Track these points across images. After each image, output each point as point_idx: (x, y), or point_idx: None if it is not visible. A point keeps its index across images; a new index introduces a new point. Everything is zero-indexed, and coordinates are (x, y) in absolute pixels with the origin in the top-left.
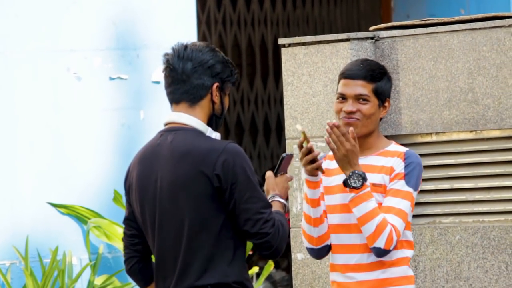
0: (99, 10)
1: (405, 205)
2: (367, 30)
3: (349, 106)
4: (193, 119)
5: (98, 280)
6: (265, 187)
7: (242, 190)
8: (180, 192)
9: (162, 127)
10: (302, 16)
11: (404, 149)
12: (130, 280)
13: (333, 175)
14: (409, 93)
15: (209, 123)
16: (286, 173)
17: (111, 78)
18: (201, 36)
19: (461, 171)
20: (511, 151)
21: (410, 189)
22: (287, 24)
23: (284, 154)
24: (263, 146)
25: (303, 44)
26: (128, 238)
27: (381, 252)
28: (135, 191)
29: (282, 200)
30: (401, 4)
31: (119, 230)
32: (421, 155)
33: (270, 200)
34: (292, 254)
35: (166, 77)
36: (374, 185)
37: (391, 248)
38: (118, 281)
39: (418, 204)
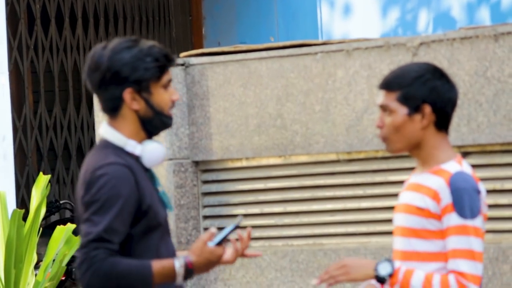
0: None
1: (466, 241)
2: (179, 57)
3: (378, 119)
4: (110, 132)
5: None
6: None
7: (86, 210)
8: (78, 205)
9: None
10: None
11: (454, 169)
12: None
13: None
14: (220, 119)
15: (147, 129)
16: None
17: None
18: (13, 62)
19: (271, 195)
20: (318, 176)
21: (465, 221)
22: None
23: (240, 218)
24: (76, 171)
25: None
26: None
27: None
28: None
29: (179, 269)
30: (213, 32)
31: None
32: (232, 180)
33: (172, 259)
34: None
35: None
36: (417, 208)
37: None
38: None
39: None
